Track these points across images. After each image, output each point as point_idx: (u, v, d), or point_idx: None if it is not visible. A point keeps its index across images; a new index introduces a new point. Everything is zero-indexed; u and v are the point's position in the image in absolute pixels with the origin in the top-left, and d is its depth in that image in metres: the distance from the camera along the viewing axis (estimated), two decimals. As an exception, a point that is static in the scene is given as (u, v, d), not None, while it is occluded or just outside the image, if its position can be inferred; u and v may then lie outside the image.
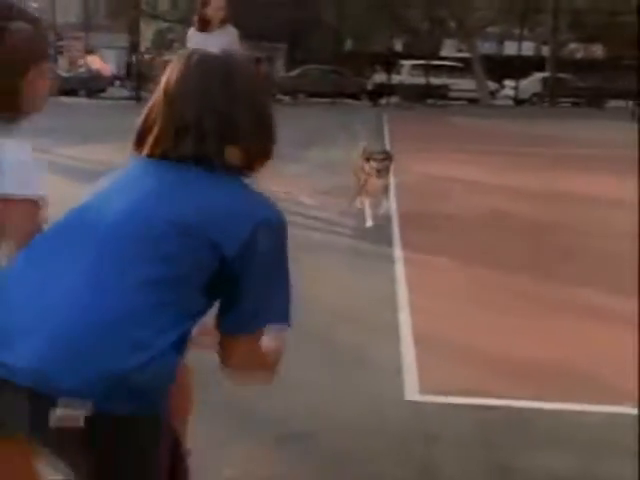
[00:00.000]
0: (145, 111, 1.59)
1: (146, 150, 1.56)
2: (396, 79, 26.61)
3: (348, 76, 27.25)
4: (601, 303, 4.24)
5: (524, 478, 2.48)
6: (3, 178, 1.63)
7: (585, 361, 3.43)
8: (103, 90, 25.94)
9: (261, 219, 1.48)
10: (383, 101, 25.66)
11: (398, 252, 5.22)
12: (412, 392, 3.02)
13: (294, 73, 28.16)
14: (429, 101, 25.51)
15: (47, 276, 1.45)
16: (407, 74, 26.78)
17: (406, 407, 2.88)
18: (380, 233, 5.77)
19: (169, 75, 1.57)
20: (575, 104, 27.38)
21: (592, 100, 26.99)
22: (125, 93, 25.12)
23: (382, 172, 6.04)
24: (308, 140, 11.54)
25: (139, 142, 1.58)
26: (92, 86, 25.28)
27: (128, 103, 21.12)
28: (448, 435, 2.70)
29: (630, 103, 25.02)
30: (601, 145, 13.06)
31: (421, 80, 26.08)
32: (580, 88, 27.37)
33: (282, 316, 1.52)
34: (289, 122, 15.99)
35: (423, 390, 3.06)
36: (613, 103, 27.07)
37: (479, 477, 2.48)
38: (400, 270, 4.75)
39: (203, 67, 1.56)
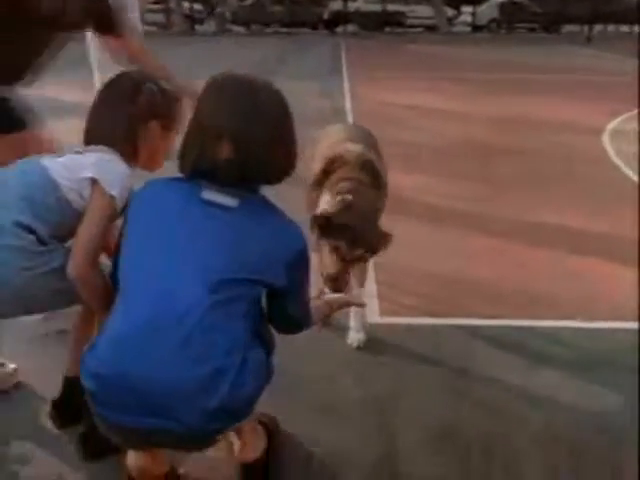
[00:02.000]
0: (184, 135, 1.81)
1: (185, 170, 1.78)
2: (353, 7, 26.17)
3: (304, 4, 26.69)
4: (557, 224, 4.33)
5: (473, 390, 2.57)
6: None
7: (535, 279, 3.53)
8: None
9: (296, 252, 1.76)
10: (340, 30, 25.26)
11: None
12: (373, 315, 3.08)
13: (248, 2, 27.46)
14: (386, 29, 25.20)
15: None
16: (363, 1, 26.33)
17: (368, 329, 2.95)
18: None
19: (201, 100, 1.78)
20: (531, 30, 27.30)
21: (548, 25, 26.94)
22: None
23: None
24: (261, 74, 11.34)
25: (181, 162, 1.80)
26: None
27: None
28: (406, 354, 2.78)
29: (585, 28, 25.05)
30: (558, 70, 13.12)
31: (378, 8, 25.69)
32: (536, 13, 27.26)
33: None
34: (242, 54, 15.71)
35: (383, 313, 3.13)
36: (568, 28, 27.06)
37: (434, 394, 2.56)
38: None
39: (231, 91, 1.76)
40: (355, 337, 2.84)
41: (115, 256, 1.82)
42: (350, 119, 7.41)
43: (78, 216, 1.97)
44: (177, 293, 1.63)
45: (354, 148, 2.71)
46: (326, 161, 2.66)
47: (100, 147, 2.06)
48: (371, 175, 2.60)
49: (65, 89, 8.11)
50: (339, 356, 2.78)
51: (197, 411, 1.59)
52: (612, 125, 7.57)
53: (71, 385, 2.29)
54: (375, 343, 2.85)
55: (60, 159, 2.06)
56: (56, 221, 1.99)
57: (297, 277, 1.80)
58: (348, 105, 8.42)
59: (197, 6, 27.64)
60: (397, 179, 5.26)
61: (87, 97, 2.46)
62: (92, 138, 2.09)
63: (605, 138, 6.93)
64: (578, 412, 2.46)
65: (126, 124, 2.07)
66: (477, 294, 3.34)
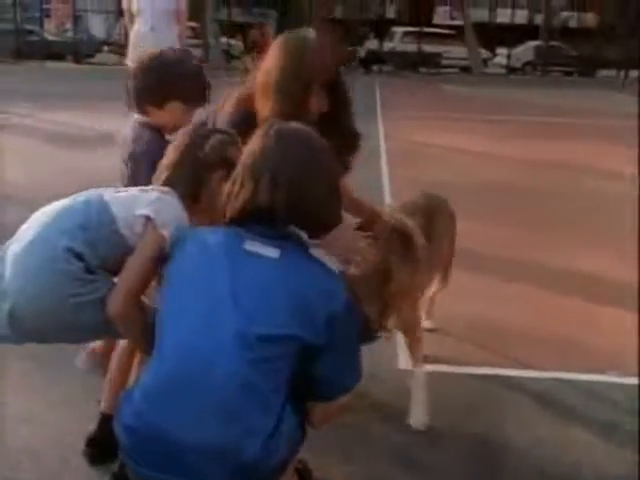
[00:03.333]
0: (231, 181, 1.83)
1: (232, 212, 1.79)
2: (388, 46, 26.41)
3: (341, 44, 26.99)
4: (590, 271, 4.30)
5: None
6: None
7: (567, 329, 3.50)
8: (91, 55, 25.62)
9: (337, 308, 1.71)
10: (375, 68, 25.49)
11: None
12: (404, 362, 3.07)
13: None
14: (421, 69, 25.36)
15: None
16: (399, 41, 26.56)
17: (399, 374, 2.94)
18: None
19: (251, 148, 1.81)
20: (567, 73, 27.29)
21: (583, 69, 26.92)
22: (114, 59, 24.87)
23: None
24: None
25: (228, 205, 1.81)
26: (80, 51, 24.98)
27: (115, 69, 20.90)
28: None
29: (621, 73, 24.98)
30: (593, 115, 13.07)
31: (413, 48, 25.89)
32: (572, 57, 27.26)
33: (359, 376, 1.84)
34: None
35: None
36: (604, 72, 27.01)
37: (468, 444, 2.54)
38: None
39: (288, 138, 1.79)
40: (419, 419, 2.59)
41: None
42: (384, 159, 7.45)
43: (128, 252, 2.00)
44: (213, 349, 1.63)
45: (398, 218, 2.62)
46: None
47: (164, 188, 2.10)
48: (402, 246, 2.49)
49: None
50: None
51: (227, 472, 1.59)
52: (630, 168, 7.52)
53: (106, 421, 2.32)
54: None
55: (122, 194, 2.09)
56: (106, 253, 2.01)
57: (338, 334, 1.72)
58: (383, 145, 8.47)
59: (233, 41, 28.14)
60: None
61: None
62: (160, 180, 2.13)
63: (627, 181, 6.85)
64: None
65: (192, 169, 2.10)
66: (512, 342, 3.31)
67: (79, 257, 1.96)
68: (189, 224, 2.03)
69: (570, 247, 4.78)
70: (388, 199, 5.89)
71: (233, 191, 1.80)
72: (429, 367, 2.79)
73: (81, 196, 2.10)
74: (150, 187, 2.12)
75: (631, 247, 4.77)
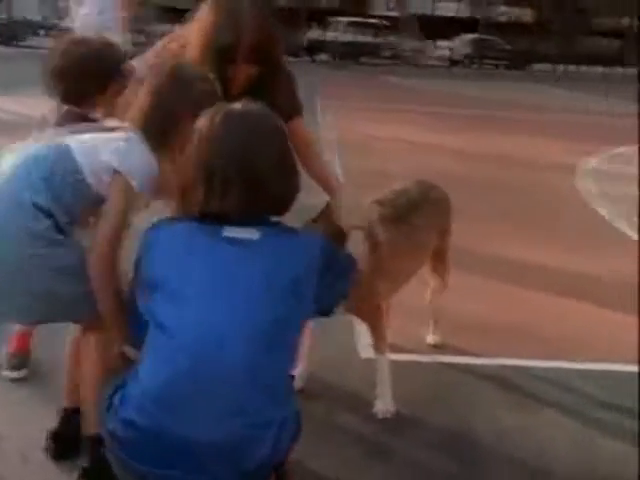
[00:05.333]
0: (182, 171, 1.77)
1: (190, 212, 1.74)
2: (330, 36, 26.41)
3: (284, 32, 26.81)
4: (533, 261, 4.41)
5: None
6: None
7: (519, 318, 3.58)
8: (24, 39, 24.80)
9: (318, 253, 1.77)
10: (316, 58, 25.47)
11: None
12: (366, 350, 3.09)
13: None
14: (363, 59, 25.47)
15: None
16: (341, 31, 26.58)
17: (360, 363, 2.95)
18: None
19: (200, 137, 1.75)
20: (500, 66, 27.84)
21: (517, 62, 27.51)
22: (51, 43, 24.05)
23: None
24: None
25: (184, 201, 1.77)
26: (11, 34, 24.17)
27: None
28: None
29: (556, 67, 25.64)
30: (532, 109, 13.39)
31: (355, 38, 25.95)
32: (506, 50, 27.83)
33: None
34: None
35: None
36: (538, 66, 27.65)
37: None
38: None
39: (232, 129, 1.74)
40: (385, 408, 2.62)
41: (132, 289, 1.80)
42: (326, 150, 7.44)
43: (95, 201, 1.95)
44: (221, 343, 1.60)
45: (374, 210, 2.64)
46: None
47: (131, 133, 2.02)
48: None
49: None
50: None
51: (238, 466, 1.58)
52: (584, 165, 7.73)
53: (69, 416, 2.26)
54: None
55: (86, 142, 2.01)
56: (73, 205, 1.96)
57: (333, 270, 1.82)
58: (323, 136, 8.42)
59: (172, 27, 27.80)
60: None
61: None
62: (131, 122, 2.06)
63: (577, 177, 7.09)
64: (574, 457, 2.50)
65: (164, 115, 2.02)
66: (463, 331, 3.36)
67: (47, 214, 1.92)
68: (156, 170, 1.99)
69: (516, 239, 4.89)
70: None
71: (187, 187, 1.76)
72: (394, 356, 2.82)
73: (44, 145, 2.03)
74: (116, 135, 2.04)
75: (577, 239, 4.97)
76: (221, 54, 2.36)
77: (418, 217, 2.78)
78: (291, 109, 2.60)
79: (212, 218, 1.72)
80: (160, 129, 2.02)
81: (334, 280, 1.85)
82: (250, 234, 1.71)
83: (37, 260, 1.91)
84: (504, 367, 3.06)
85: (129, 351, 1.86)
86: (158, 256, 1.72)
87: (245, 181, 1.70)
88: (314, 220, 2.40)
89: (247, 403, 1.59)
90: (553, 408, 2.78)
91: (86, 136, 2.05)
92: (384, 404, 2.62)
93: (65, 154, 1.97)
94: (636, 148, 7.74)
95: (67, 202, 1.95)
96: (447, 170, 6.94)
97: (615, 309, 3.71)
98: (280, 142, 1.80)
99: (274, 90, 2.49)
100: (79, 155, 1.96)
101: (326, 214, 2.42)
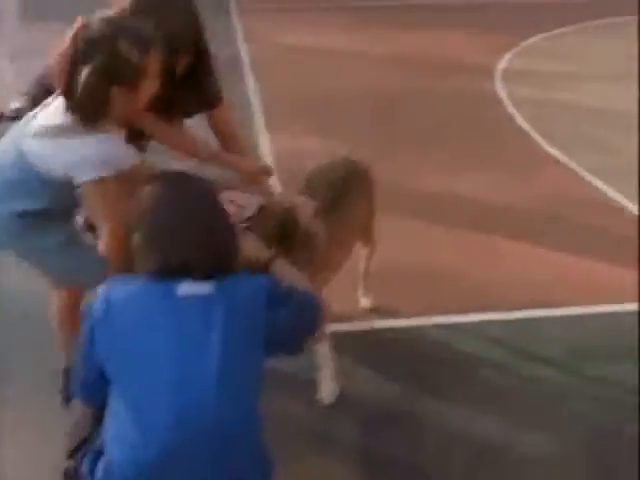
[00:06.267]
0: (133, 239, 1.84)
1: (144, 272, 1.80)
2: None
3: None
4: (460, 193, 4.42)
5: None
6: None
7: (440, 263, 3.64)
8: None
9: (264, 293, 1.85)
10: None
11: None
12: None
13: None
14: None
15: None
16: None
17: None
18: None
19: (143, 204, 1.84)
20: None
21: None
22: None
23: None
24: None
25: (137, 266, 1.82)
26: None
27: None
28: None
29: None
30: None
31: None
32: None
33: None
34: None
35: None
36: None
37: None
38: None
39: (171, 191, 1.86)
40: (328, 394, 2.68)
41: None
42: (249, 68, 7.16)
43: (70, 186, 2.08)
44: (197, 406, 1.66)
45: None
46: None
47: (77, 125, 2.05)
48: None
49: None
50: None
51: None
52: (502, 64, 7.47)
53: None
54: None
55: (38, 144, 2.09)
56: (50, 194, 2.13)
57: (290, 310, 1.88)
58: (244, 49, 8.07)
59: None
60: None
61: None
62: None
63: (496, 79, 6.88)
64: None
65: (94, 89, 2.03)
66: (397, 287, 3.40)
67: (31, 214, 2.13)
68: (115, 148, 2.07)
69: (440, 167, 4.81)
70: (259, 116, 5.77)
71: (141, 253, 1.82)
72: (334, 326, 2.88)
73: (3, 151, 2.16)
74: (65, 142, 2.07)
75: (504, 161, 4.89)
76: None
77: (347, 203, 2.81)
78: (216, 96, 2.69)
79: (164, 275, 1.77)
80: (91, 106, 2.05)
81: (292, 319, 1.91)
82: (203, 289, 1.76)
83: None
84: (439, 327, 3.15)
85: None
86: (116, 327, 1.73)
87: (193, 240, 1.80)
88: (248, 228, 2.37)
89: (232, 460, 1.68)
90: (497, 368, 2.88)
91: (45, 137, 2.09)
92: (328, 389, 2.69)
93: (23, 163, 2.09)
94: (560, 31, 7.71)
95: (43, 197, 2.12)
96: (369, 83, 6.78)
97: (552, 248, 3.77)
98: (215, 204, 1.92)
99: (201, 78, 2.57)
100: (36, 159, 2.08)
101: (263, 215, 2.42)
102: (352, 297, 3.29)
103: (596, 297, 3.32)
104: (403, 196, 4.33)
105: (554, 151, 5.09)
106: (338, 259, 2.79)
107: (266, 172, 2.74)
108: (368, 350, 3.01)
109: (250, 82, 6.70)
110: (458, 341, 3.05)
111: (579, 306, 3.26)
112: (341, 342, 2.91)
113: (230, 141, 2.73)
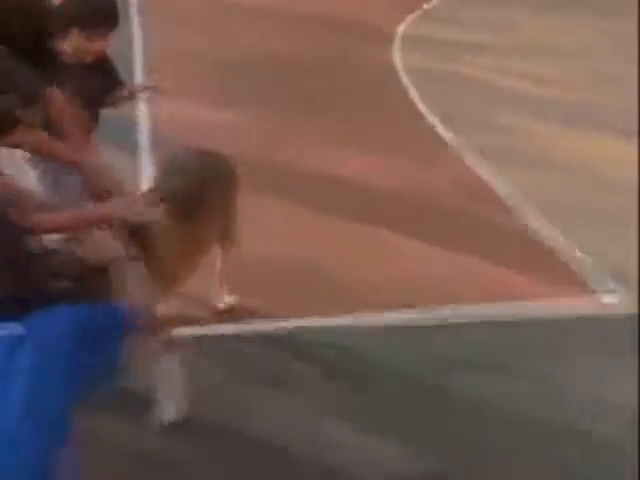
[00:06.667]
0: None
1: None
2: None
3: None
4: (342, 176, 4.19)
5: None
6: None
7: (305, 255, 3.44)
8: None
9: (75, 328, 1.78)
10: None
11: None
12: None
13: None
14: None
15: None
16: None
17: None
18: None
19: None
20: None
21: None
22: None
23: None
24: None
25: None
26: None
27: None
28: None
29: None
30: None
31: None
32: None
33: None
34: None
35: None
36: None
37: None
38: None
39: None
40: (171, 410, 2.40)
41: None
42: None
43: None
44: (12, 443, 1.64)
45: None
46: None
47: None
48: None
49: None
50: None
51: None
52: (402, 28, 7.24)
53: None
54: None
55: None
56: None
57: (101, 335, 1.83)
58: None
59: None
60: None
61: None
62: None
63: (395, 45, 6.63)
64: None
65: None
66: (260, 284, 3.12)
67: None
68: None
69: (324, 145, 4.53)
70: (138, 71, 5.38)
71: None
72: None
73: None
74: None
75: (395, 146, 4.58)
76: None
77: (204, 205, 2.52)
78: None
79: None
80: None
81: (105, 345, 1.84)
82: (12, 329, 1.72)
83: None
84: (301, 329, 2.95)
85: None
86: None
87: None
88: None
89: None
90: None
91: None
92: (169, 408, 2.43)
93: None
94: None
95: None
96: (267, 45, 6.40)
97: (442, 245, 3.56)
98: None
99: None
100: None
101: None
102: (209, 297, 3.04)
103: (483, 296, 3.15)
104: (277, 173, 4.03)
105: (448, 135, 4.85)
106: (191, 262, 2.55)
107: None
108: (222, 357, 2.80)
109: (134, 28, 6.23)
110: (324, 346, 2.88)
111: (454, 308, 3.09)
112: (195, 348, 2.70)
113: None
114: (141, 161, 4.18)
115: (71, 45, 2.59)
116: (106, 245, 2.11)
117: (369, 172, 4.24)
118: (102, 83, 2.74)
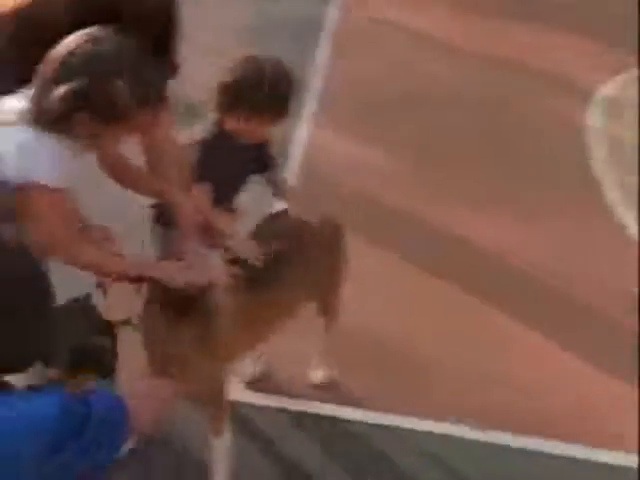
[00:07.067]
0: None
1: None
2: None
3: None
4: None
5: None
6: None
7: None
8: None
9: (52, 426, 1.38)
10: None
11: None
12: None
13: None
14: None
15: None
16: None
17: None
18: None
19: None
20: None
21: None
22: None
23: None
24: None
25: None
26: None
27: None
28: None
29: None
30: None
31: None
32: None
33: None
34: None
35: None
36: None
37: None
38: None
39: None
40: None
41: None
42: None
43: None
44: None
45: None
46: None
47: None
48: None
49: None
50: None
51: None
52: (606, 88, 6.27)
53: None
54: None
55: None
56: None
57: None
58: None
59: None
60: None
61: None
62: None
63: (592, 107, 5.79)
64: None
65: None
66: (364, 360, 2.90)
67: None
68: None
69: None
70: (312, 98, 5.24)
71: None
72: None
73: None
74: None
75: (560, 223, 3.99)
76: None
77: (282, 275, 2.32)
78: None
79: None
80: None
81: (91, 445, 1.45)
82: None
83: None
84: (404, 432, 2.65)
85: None
86: None
87: None
88: None
89: None
90: None
91: None
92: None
93: None
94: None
95: None
96: (452, 84, 6.00)
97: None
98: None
99: None
100: None
101: None
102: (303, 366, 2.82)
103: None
104: (405, 226, 3.76)
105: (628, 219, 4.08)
106: (252, 338, 2.35)
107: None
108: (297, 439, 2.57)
109: (322, 53, 6.13)
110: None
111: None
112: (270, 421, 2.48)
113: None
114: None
115: (231, 125, 2.38)
116: (130, 300, 1.91)
117: (513, 244, 3.74)
118: (249, 164, 2.51)
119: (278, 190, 2.59)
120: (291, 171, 4.24)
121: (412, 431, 2.65)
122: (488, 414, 2.70)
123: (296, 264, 2.35)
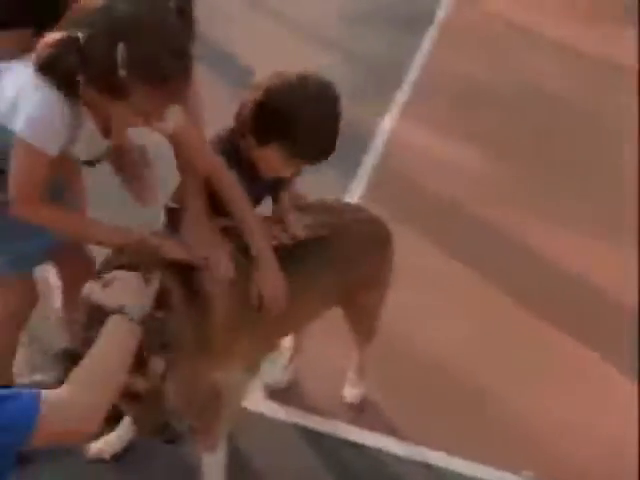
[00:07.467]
0: None
1: None
2: None
3: None
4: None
5: None
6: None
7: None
8: None
9: None
10: None
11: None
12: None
13: None
14: None
15: None
16: None
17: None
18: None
19: None
20: None
21: None
22: None
23: None
24: None
25: None
26: None
27: None
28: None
29: None
30: None
31: None
32: None
33: None
34: None
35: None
36: None
37: None
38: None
39: None
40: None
41: None
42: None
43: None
44: None
45: None
46: None
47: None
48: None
49: None
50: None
51: None
52: None
53: None
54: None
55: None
56: None
57: None
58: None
59: None
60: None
61: None
62: None
63: None
64: None
65: None
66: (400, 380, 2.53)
67: None
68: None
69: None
70: (405, 89, 4.86)
71: None
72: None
73: None
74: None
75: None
76: None
77: (320, 266, 2.00)
78: None
79: None
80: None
81: None
82: None
83: None
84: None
85: None
86: None
87: None
88: None
89: None
90: None
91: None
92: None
93: None
94: None
95: None
96: (556, 88, 5.46)
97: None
98: None
99: None
100: None
101: None
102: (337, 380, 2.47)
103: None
104: (481, 235, 3.36)
105: None
106: (261, 340, 2.01)
107: None
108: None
109: (426, 44, 5.74)
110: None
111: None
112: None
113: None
114: (356, 181, 3.74)
115: (263, 160, 1.96)
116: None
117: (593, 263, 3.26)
118: (266, 192, 2.12)
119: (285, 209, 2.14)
120: (371, 160, 3.95)
121: (453, 473, 2.25)
122: (558, 468, 2.26)
123: (330, 259, 2.02)
